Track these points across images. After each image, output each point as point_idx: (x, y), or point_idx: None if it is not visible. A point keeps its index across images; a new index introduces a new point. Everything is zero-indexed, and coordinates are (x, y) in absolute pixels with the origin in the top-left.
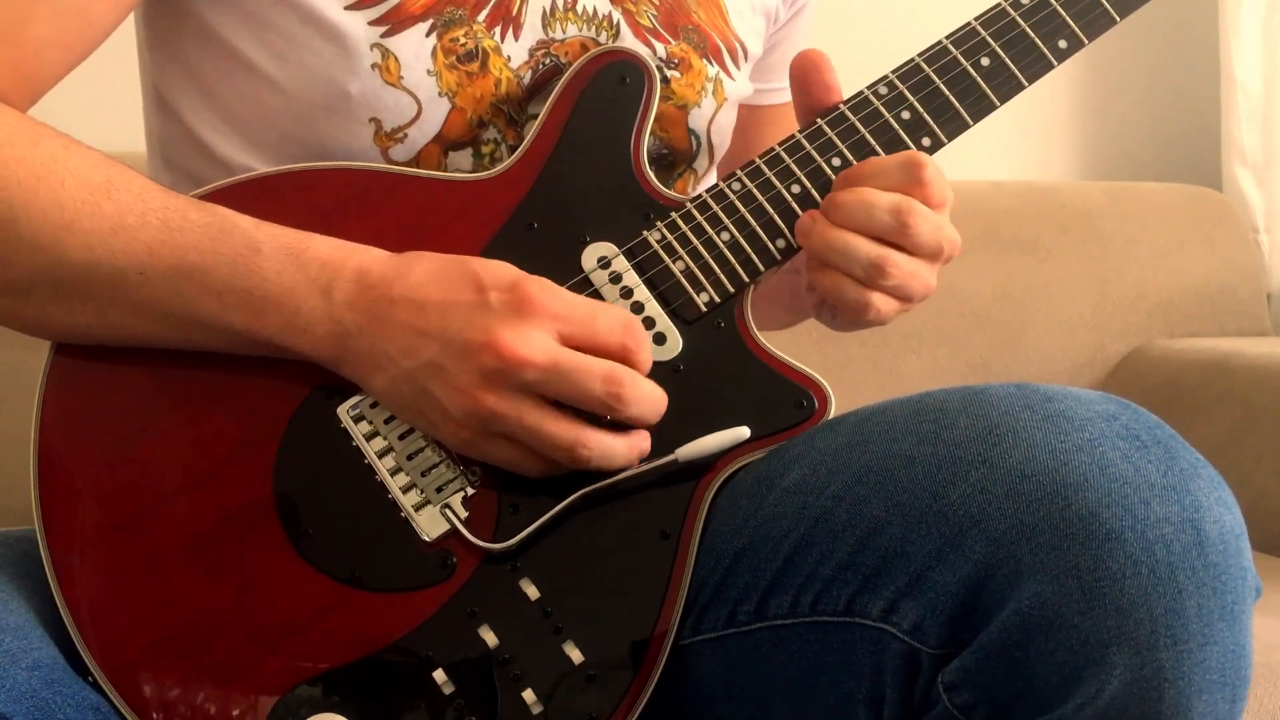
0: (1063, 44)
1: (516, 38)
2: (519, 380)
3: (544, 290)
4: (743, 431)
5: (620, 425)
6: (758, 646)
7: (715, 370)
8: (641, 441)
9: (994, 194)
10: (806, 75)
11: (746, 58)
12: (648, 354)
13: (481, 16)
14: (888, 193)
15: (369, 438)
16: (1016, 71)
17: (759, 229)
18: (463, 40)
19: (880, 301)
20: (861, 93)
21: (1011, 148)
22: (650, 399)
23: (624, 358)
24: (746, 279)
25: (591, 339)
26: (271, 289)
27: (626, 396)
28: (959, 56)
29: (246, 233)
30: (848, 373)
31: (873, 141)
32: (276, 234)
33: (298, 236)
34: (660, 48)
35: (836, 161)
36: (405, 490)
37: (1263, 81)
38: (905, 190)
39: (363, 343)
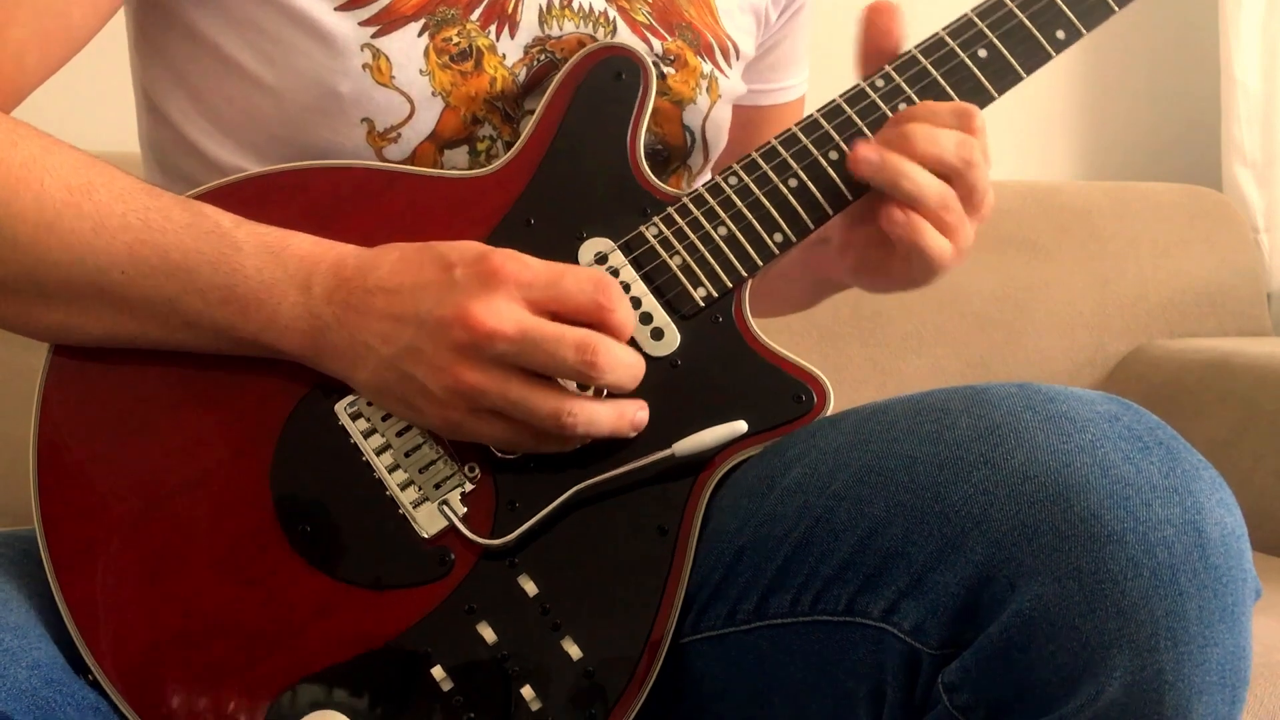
0: (1060, 34)
1: (512, 36)
2: (492, 352)
3: (509, 259)
4: (740, 425)
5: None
6: (757, 645)
7: (713, 365)
8: (631, 409)
9: (994, 194)
10: (871, 22)
11: (738, 56)
12: (626, 311)
13: (475, 15)
14: (951, 130)
15: (366, 435)
16: (1014, 62)
17: (756, 223)
18: (456, 40)
19: (949, 250)
20: (858, 85)
21: (1011, 148)
22: (625, 364)
23: (599, 315)
24: (744, 273)
25: (561, 301)
26: (253, 287)
27: (600, 364)
28: (956, 48)
29: (228, 232)
30: (848, 373)
31: (870, 135)
32: (257, 232)
33: (278, 234)
34: (657, 44)
35: (834, 155)
36: (403, 487)
37: (1263, 81)
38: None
39: (342, 336)
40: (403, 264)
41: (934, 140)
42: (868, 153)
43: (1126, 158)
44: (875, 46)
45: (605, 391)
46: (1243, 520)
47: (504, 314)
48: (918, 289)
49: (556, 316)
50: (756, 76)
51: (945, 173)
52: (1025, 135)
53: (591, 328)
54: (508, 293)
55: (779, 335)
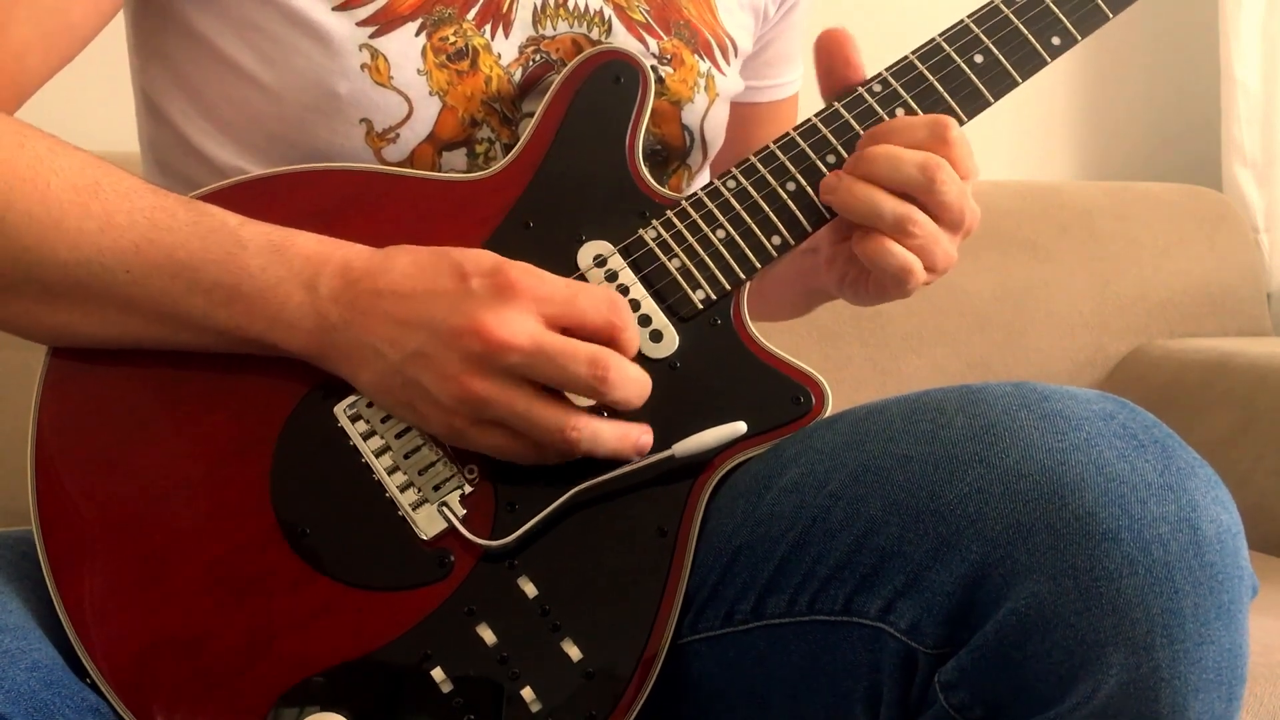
0: (1056, 40)
1: (506, 35)
2: (503, 364)
3: (526, 274)
4: (739, 427)
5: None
6: (755, 645)
7: (711, 367)
8: (635, 432)
9: (994, 194)
10: (830, 54)
11: (736, 53)
12: (634, 332)
13: (471, 14)
14: (915, 149)
15: (366, 436)
16: (1010, 68)
17: (754, 226)
18: (452, 39)
19: (916, 266)
20: (855, 90)
21: (1011, 148)
22: (635, 382)
23: (610, 335)
24: (742, 276)
25: (575, 318)
26: (257, 285)
27: (611, 379)
28: (952, 54)
29: (233, 230)
30: (848, 372)
31: None
32: (262, 230)
33: (283, 233)
34: (653, 43)
35: (831, 159)
36: (403, 489)
37: (1263, 81)
38: (931, 149)
39: (348, 336)
40: (416, 269)
41: (895, 165)
42: (828, 180)
43: (1126, 158)
44: (840, 78)
45: (605, 413)
46: (1238, 518)
47: (518, 326)
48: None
49: (567, 332)
50: (752, 73)
51: (910, 194)
52: (1025, 135)
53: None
54: (522, 306)
55: (779, 334)
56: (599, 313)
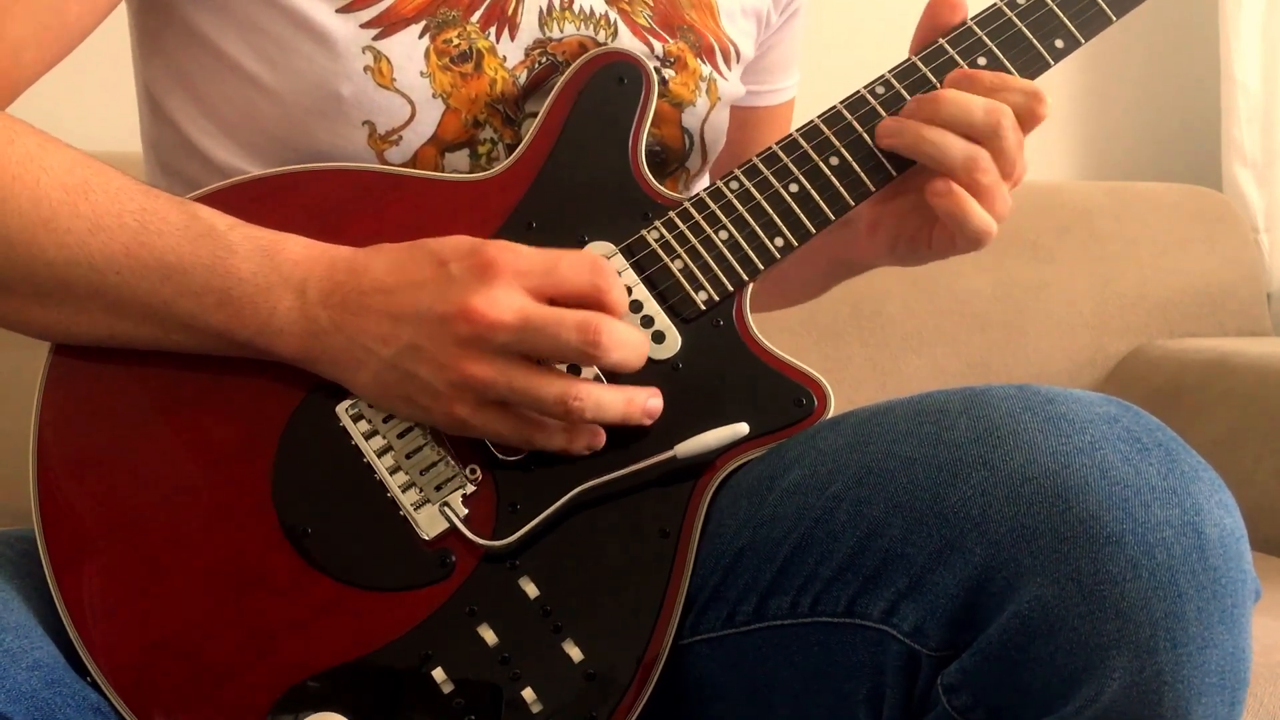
0: (1059, 43)
1: (512, 38)
2: (496, 343)
3: (503, 250)
4: (741, 428)
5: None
6: (757, 647)
7: (714, 368)
8: (641, 395)
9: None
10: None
11: (738, 59)
12: (620, 292)
13: (475, 17)
14: (981, 97)
15: (368, 436)
16: (1014, 71)
17: (757, 228)
18: (456, 41)
19: (993, 226)
20: (858, 92)
21: None
22: (629, 342)
23: (596, 297)
24: (745, 277)
25: (558, 286)
26: (248, 290)
27: (604, 342)
28: (955, 56)
29: (222, 234)
30: (848, 373)
31: (869, 141)
32: (252, 235)
33: (273, 237)
34: (658, 45)
35: (834, 161)
36: (404, 489)
37: (1263, 81)
38: (1021, 112)
39: (339, 340)
40: (396, 264)
41: (963, 105)
42: (888, 123)
43: (1126, 158)
44: (943, 20)
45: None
46: (1242, 522)
47: (503, 303)
48: (921, 288)
49: (554, 302)
50: (752, 78)
51: (975, 137)
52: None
53: (590, 309)
54: (505, 282)
55: (779, 335)
56: (581, 276)
